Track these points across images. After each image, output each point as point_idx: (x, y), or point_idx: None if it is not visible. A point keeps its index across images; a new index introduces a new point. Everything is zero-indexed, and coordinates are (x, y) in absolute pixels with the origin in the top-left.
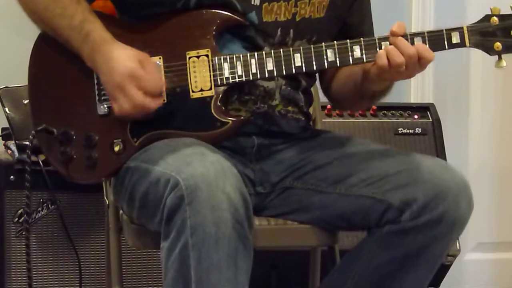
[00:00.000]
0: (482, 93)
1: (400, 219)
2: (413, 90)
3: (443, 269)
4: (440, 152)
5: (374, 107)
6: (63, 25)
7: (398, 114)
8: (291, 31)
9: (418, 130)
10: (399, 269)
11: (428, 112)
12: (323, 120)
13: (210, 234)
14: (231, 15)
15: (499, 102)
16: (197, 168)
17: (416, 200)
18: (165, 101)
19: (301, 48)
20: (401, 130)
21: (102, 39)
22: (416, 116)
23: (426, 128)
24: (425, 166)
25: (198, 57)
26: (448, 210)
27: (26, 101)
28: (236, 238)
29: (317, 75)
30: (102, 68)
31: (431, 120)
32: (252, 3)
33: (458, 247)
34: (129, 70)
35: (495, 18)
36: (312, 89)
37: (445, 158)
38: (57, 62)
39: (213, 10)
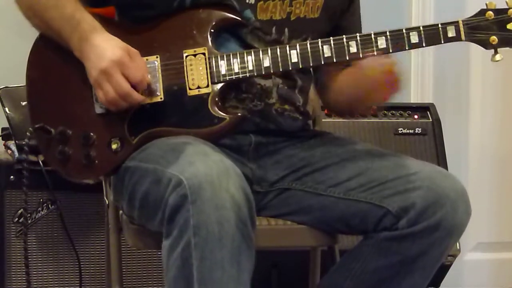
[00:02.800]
0: (482, 93)
1: (397, 225)
2: (413, 90)
3: (443, 269)
4: (440, 152)
5: (374, 107)
6: (55, 16)
7: (398, 114)
8: (286, 30)
9: (418, 130)
10: (395, 275)
11: (428, 112)
12: (323, 120)
13: (214, 233)
14: (228, 14)
15: (499, 102)
16: (200, 167)
17: (413, 206)
18: (162, 99)
19: (297, 44)
20: (401, 130)
21: (92, 27)
22: (416, 116)
23: (426, 128)
24: (424, 172)
25: (195, 55)
26: (445, 217)
27: (24, 103)
28: (240, 237)
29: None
30: (88, 55)
31: (431, 120)
32: (247, 1)
33: (458, 247)
34: (117, 57)
35: (490, 12)
36: (312, 89)
37: (445, 158)
38: (55, 64)
39: (210, 9)
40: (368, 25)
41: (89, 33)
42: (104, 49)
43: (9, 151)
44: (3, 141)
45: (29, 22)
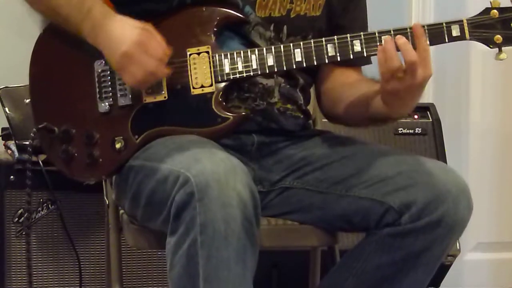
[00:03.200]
0: (482, 93)
1: (400, 221)
2: None
3: (443, 269)
4: (440, 152)
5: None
6: (62, 3)
7: None
8: (285, 27)
9: (418, 130)
10: (398, 271)
11: (428, 112)
12: (323, 120)
13: (220, 231)
14: (231, 11)
15: (499, 102)
16: (207, 165)
17: (415, 202)
18: (166, 97)
19: (301, 43)
20: (401, 130)
21: (104, 14)
22: (416, 116)
23: (426, 128)
24: (425, 168)
25: (198, 54)
26: (447, 213)
27: (27, 100)
28: (245, 235)
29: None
30: (105, 42)
31: (431, 120)
32: None
33: (458, 247)
34: (136, 37)
35: (495, 11)
36: (312, 89)
37: (445, 158)
38: (58, 61)
39: (213, 7)
40: (368, 25)
41: (102, 20)
42: (121, 33)
43: (9, 151)
44: (3, 141)
45: (31, 7)
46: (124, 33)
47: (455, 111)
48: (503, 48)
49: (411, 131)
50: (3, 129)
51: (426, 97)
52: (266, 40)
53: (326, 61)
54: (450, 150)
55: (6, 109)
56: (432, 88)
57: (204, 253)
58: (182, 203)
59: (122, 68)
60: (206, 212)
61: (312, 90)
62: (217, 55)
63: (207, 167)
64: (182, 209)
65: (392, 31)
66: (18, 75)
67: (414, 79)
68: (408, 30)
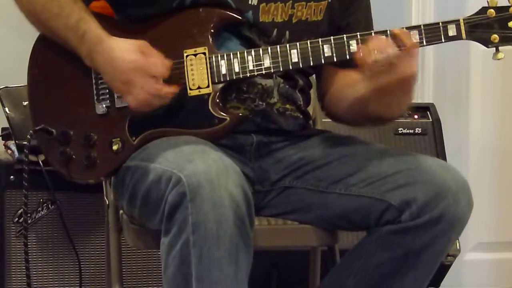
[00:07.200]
0: (482, 93)
1: (400, 219)
2: None
3: (443, 269)
4: (440, 152)
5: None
6: (59, 25)
7: None
8: (287, 32)
9: (418, 130)
10: (399, 269)
11: (428, 112)
12: (323, 120)
13: (212, 232)
14: (228, 12)
15: (499, 102)
16: (199, 165)
17: (415, 200)
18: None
19: (297, 44)
20: (401, 130)
21: (98, 38)
22: (416, 116)
23: (426, 128)
24: (424, 166)
25: (195, 55)
26: (447, 210)
27: (26, 103)
28: (237, 235)
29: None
30: (103, 68)
31: (431, 120)
32: (250, 2)
33: (458, 247)
34: (132, 64)
35: (491, 10)
36: (313, 90)
37: (445, 158)
38: (56, 64)
39: (210, 8)
40: None
41: (96, 44)
42: (117, 59)
43: (9, 151)
44: (3, 141)
45: (34, 27)
46: (122, 60)
47: (455, 111)
48: (500, 47)
49: (411, 131)
50: (3, 129)
51: (426, 97)
52: (266, 45)
53: (323, 61)
54: (450, 150)
55: (6, 109)
56: (432, 88)
57: (196, 252)
58: (174, 203)
59: (125, 93)
60: (198, 212)
61: (312, 92)
62: (213, 56)
63: (200, 168)
64: (175, 210)
65: (388, 31)
66: (18, 75)
67: (401, 69)
68: (404, 30)
